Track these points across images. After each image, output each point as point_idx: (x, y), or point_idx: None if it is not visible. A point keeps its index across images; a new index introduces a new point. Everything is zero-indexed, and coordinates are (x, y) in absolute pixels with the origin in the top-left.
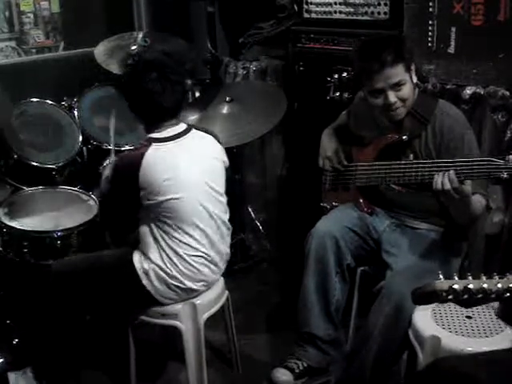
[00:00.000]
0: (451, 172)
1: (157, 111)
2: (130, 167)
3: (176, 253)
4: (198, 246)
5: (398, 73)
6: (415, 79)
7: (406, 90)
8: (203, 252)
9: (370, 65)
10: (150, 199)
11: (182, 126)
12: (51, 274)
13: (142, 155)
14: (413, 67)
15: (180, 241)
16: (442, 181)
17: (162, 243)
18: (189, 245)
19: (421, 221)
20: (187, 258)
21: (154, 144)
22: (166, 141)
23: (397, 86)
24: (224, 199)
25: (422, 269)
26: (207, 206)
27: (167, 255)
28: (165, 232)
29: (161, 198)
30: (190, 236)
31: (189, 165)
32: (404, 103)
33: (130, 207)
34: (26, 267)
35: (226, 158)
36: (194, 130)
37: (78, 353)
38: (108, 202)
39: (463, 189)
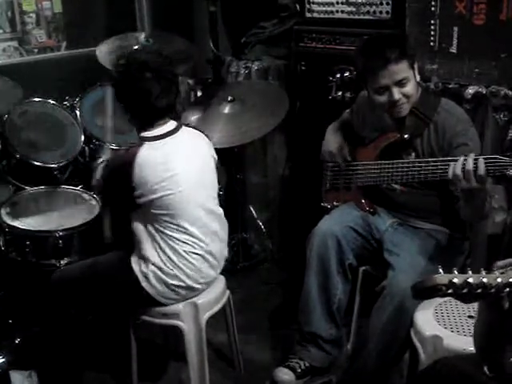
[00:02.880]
0: (480, 159)
1: (152, 111)
2: (123, 167)
3: (175, 251)
4: (196, 242)
5: (402, 69)
6: (418, 78)
7: (410, 87)
8: (202, 248)
9: (374, 62)
10: (146, 197)
11: (173, 124)
12: (51, 284)
13: (134, 155)
14: (416, 65)
15: (177, 239)
16: (465, 162)
17: (160, 242)
18: (187, 242)
19: (423, 220)
20: (186, 255)
21: (146, 143)
22: (159, 139)
23: (401, 82)
24: (216, 194)
25: (424, 268)
26: (203, 201)
27: (165, 254)
28: (162, 231)
29: (157, 195)
30: (188, 233)
31: (184, 160)
32: (408, 99)
33: (126, 207)
34: (28, 267)
35: (215, 154)
36: (184, 127)
37: (80, 353)
38: (105, 200)
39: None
